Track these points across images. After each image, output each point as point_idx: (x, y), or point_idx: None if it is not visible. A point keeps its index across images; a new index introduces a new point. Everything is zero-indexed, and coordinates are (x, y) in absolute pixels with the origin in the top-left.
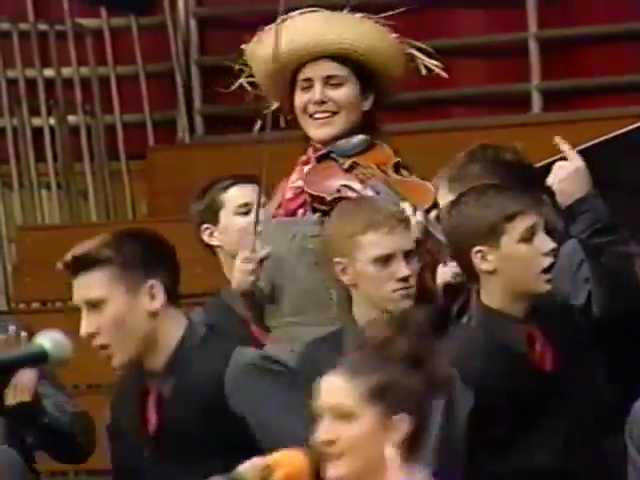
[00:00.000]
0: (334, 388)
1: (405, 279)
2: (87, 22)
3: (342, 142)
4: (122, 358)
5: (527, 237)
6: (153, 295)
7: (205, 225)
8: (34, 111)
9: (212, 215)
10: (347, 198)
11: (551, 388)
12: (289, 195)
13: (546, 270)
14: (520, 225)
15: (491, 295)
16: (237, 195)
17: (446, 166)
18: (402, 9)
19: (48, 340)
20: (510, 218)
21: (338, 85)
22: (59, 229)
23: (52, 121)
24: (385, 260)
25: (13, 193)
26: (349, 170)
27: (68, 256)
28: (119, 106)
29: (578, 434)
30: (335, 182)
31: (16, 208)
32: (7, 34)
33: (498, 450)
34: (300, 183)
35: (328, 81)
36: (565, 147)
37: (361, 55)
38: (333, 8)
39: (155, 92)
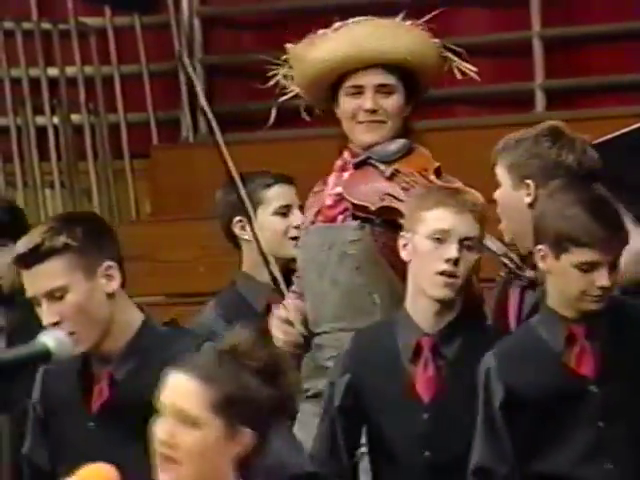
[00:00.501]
0: (183, 391)
1: (453, 262)
2: (91, 21)
3: (379, 148)
4: (87, 344)
5: (584, 268)
6: (110, 276)
7: (238, 217)
8: (38, 110)
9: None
10: (392, 208)
11: (583, 391)
12: (328, 202)
13: (594, 295)
14: (582, 255)
15: (548, 292)
16: (280, 195)
17: (510, 138)
18: (439, 10)
19: (51, 339)
20: (577, 243)
21: (389, 94)
22: None
23: (56, 120)
24: (440, 238)
25: (17, 192)
26: (391, 178)
27: (20, 249)
28: (123, 105)
29: (612, 444)
30: (378, 191)
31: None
32: (11, 33)
33: (523, 450)
34: (339, 190)
35: (380, 89)
36: (628, 219)
37: (411, 63)
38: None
39: (159, 91)
